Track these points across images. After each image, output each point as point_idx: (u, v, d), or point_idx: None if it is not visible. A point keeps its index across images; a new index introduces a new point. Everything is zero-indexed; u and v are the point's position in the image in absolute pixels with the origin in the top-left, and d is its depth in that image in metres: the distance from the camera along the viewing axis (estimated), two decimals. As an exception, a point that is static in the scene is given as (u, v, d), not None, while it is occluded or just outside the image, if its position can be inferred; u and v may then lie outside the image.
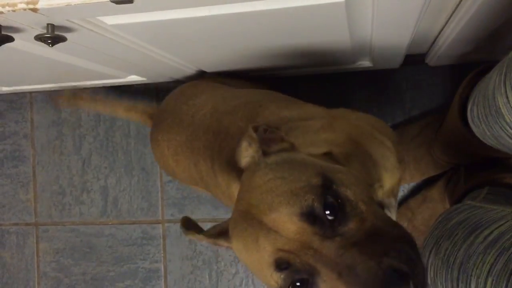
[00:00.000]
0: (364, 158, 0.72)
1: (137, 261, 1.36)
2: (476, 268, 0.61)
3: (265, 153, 0.61)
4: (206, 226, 1.35)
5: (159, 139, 1.00)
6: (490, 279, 0.59)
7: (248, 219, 0.56)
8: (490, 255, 0.60)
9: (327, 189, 0.54)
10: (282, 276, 0.54)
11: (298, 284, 0.54)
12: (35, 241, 1.42)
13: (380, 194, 0.73)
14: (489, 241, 0.62)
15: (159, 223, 1.35)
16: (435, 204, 1.12)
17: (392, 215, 0.79)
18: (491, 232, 0.64)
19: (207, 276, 1.32)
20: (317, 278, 0.53)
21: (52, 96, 1.34)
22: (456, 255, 0.66)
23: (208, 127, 0.88)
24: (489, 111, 0.67)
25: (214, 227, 0.67)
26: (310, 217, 0.52)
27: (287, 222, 0.53)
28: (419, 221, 1.14)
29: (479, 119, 0.73)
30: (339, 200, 0.54)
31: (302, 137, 0.72)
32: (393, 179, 0.77)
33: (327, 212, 0.53)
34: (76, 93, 1.29)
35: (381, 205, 0.75)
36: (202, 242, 0.69)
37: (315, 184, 0.54)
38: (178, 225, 1.33)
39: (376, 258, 0.50)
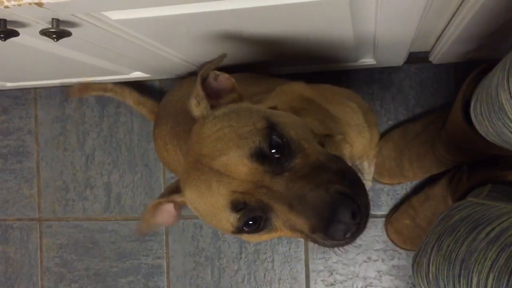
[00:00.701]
0: (318, 113, 0.76)
1: (139, 257, 1.36)
2: (478, 264, 0.61)
3: (214, 107, 0.65)
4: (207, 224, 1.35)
5: (155, 134, 1.05)
6: (491, 275, 0.59)
7: (199, 168, 0.60)
8: (492, 251, 0.60)
9: (271, 130, 0.59)
10: (237, 216, 0.58)
11: (250, 222, 0.58)
12: (38, 236, 1.43)
13: (347, 152, 0.77)
14: (491, 238, 0.62)
15: (162, 219, 1.35)
16: (438, 202, 1.12)
17: (366, 182, 0.82)
18: (493, 229, 0.64)
19: (209, 273, 1.32)
20: (270, 214, 0.58)
21: (65, 89, 1.35)
22: (458, 251, 0.66)
23: (187, 111, 0.91)
24: (492, 108, 0.67)
25: (165, 189, 0.69)
26: (259, 157, 0.57)
27: (239, 165, 0.57)
28: (422, 219, 1.14)
29: (482, 116, 0.73)
30: (284, 139, 0.58)
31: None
32: (363, 138, 0.82)
33: (274, 151, 0.57)
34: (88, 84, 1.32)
35: None
36: (157, 207, 0.70)
37: (261, 127, 0.59)
38: (181, 221, 1.33)
39: (322, 186, 0.54)
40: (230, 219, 0.58)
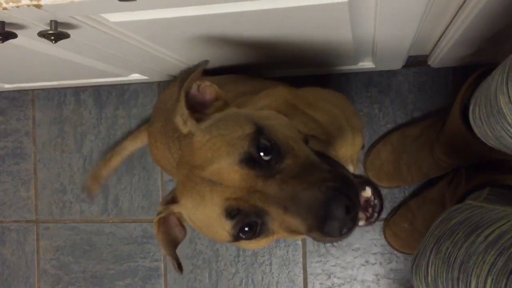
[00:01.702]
0: (301, 117, 0.77)
1: (137, 260, 1.36)
2: (477, 268, 0.61)
3: (201, 119, 0.65)
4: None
5: (149, 132, 1.06)
6: (490, 278, 0.59)
7: (192, 179, 0.60)
8: (491, 255, 0.60)
9: (259, 134, 0.58)
10: (233, 223, 0.57)
11: (246, 229, 0.58)
12: (35, 238, 1.42)
13: (331, 155, 0.76)
14: (490, 241, 0.62)
15: (159, 221, 1.35)
16: (436, 205, 1.12)
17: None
18: (492, 232, 0.64)
19: (207, 275, 1.32)
20: (266, 218, 0.57)
21: (85, 190, 1.35)
22: (457, 254, 0.66)
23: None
24: (491, 112, 0.67)
25: (162, 201, 0.69)
26: (249, 162, 0.57)
27: (230, 172, 0.57)
28: (420, 223, 1.14)
29: (480, 119, 0.73)
30: (272, 142, 0.58)
31: (245, 107, 0.77)
32: (344, 142, 0.83)
33: (262, 154, 0.57)
34: (96, 172, 1.31)
35: None
36: (161, 223, 0.69)
37: (248, 132, 0.59)
38: (179, 224, 1.33)
39: (315, 184, 0.54)
40: (225, 227, 0.58)
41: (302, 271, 1.27)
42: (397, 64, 1.15)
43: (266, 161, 0.57)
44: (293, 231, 0.57)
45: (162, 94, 1.11)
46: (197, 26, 0.76)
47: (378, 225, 1.22)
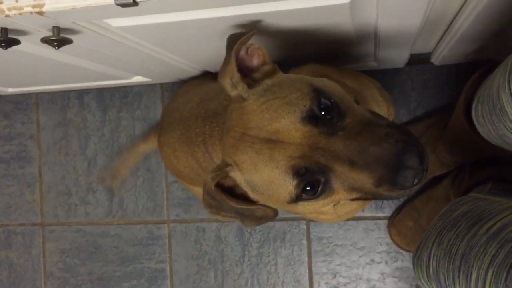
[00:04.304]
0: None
1: (142, 261, 1.36)
2: (478, 259, 0.61)
3: (250, 85, 0.64)
4: (211, 226, 1.36)
5: (161, 141, 1.04)
6: (490, 271, 0.59)
7: (247, 140, 0.60)
8: (492, 247, 0.60)
9: (319, 93, 0.59)
10: (297, 181, 0.57)
11: (308, 188, 0.58)
12: (41, 241, 1.43)
13: None
14: (492, 233, 0.62)
15: (164, 223, 1.35)
16: (441, 203, 1.12)
17: None
18: (494, 224, 0.64)
19: (212, 276, 1.32)
20: (329, 176, 0.58)
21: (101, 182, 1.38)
22: (459, 246, 0.66)
23: (196, 116, 0.92)
24: (493, 110, 0.67)
25: (211, 172, 0.66)
26: (311, 119, 0.57)
27: (292, 130, 0.57)
28: (425, 221, 1.14)
29: (483, 118, 0.73)
30: (332, 100, 0.59)
31: None
32: (382, 110, 0.84)
33: (324, 113, 0.58)
34: (113, 170, 1.33)
35: None
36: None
37: (307, 91, 0.59)
38: (184, 225, 1.33)
39: (381, 138, 0.55)
40: (288, 186, 0.58)
41: (307, 271, 1.27)
42: (400, 62, 1.15)
43: (328, 119, 0.58)
44: (356, 189, 0.58)
45: (175, 103, 1.08)
46: (201, 29, 0.76)
47: (383, 223, 1.22)
